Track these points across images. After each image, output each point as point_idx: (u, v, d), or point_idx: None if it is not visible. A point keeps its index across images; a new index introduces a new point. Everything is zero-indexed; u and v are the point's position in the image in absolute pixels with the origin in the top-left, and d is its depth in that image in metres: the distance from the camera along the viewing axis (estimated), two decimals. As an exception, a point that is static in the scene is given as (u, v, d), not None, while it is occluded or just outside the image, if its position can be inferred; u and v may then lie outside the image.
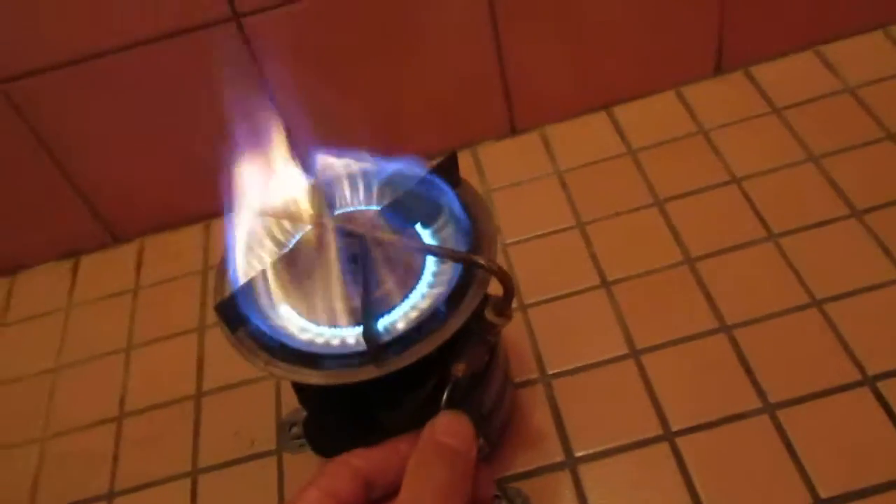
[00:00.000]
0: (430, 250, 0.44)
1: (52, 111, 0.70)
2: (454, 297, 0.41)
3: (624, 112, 0.78)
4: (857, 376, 0.55)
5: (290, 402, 0.64)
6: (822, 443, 0.53)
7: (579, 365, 0.61)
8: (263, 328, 0.42)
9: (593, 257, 0.67)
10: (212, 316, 0.72)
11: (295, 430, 0.61)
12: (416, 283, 0.43)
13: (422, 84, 0.74)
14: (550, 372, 0.61)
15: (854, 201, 0.65)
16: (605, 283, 0.65)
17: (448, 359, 0.43)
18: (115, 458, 0.64)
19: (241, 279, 0.43)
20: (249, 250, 0.45)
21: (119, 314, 0.75)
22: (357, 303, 0.42)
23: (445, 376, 0.42)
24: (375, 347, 0.39)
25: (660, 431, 0.56)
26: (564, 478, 0.55)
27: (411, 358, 0.39)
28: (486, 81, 0.75)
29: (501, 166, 0.77)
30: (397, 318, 0.42)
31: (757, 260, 0.64)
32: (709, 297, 0.62)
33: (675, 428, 0.56)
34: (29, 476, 0.64)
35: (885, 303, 0.59)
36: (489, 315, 0.42)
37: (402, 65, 0.72)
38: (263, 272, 0.43)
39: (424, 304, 0.42)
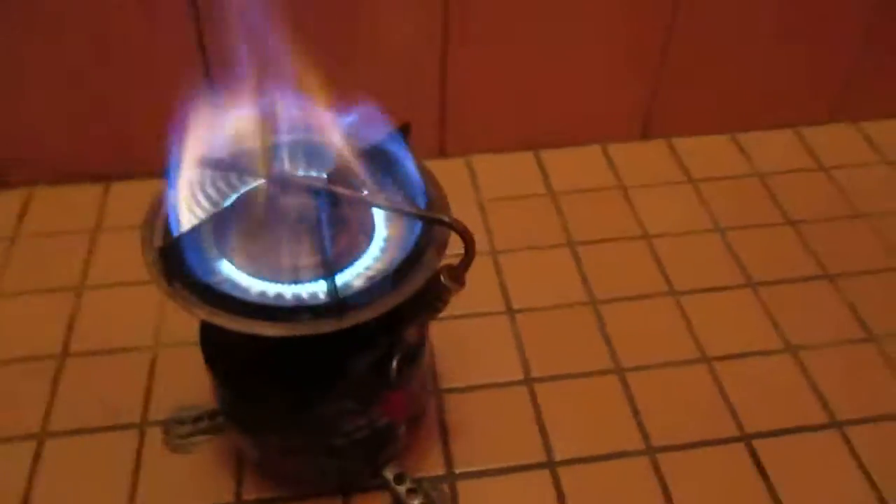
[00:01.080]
0: (395, 208, 0.43)
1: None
2: (413, 258, 0.41)
3: (551, 156, 0.80)
4: (735, 432, 0.57)
5: (165, 384, 0.60)
6: (696, 489, 0.54)
7: (473, 384, 0.60)
8: (208, 279, 0.40)
9: (501, 285, 0.68)
10: (94, 276, 0.68)
11: (181, 429, 0.57)
12: (369, 244, 0.43)
13: (366, 78, 0.73)
14: (444, 387, 0.60)
15: (751, 273, 0.69)
16: (510, 311, 0.65)
17: (400, 323, 0.42)
18: (-47, 409, 0.58)
19: (182, 229, 0.41)
20: (190, 202, 0.43)
21: (-11, 259, 0.69)
22: (307, 260, 0.40)
23: (396, 340, 0.41)
24: (337, 300, 0.38)
25: (543, 459, 0.55)
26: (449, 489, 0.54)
27: (374, 312, 0.38)
28: (426, 96, 0.75)
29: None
30: (353, 277, 0.41)
31: (656, 311, 0.66)
32: (607, 340, 0.63)
33: (558, 458, 0.55)
34: None
35: (767, 368, 0.61)
36: (444, 279, 0.41)
37: (351, 57, 0.71)
38: (205, 222, 0.41)
39: (381, 264, 0.41)
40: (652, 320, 0.65)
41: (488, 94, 0.77)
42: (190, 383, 0.59)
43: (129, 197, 0.76)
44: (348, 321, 0.39)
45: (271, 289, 0.41)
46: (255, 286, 0.41)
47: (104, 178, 0.77)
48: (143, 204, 0.73)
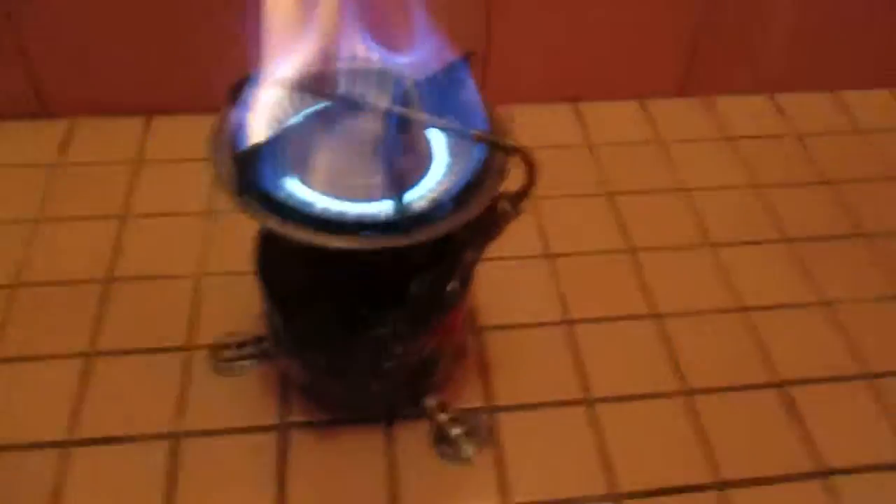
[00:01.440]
0: (463, 131, 0.44)
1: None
2: (476, 182, 0.42)
3: (589, 109, 0.81)
4: (770, 378, 0.58)
5: (211, 310, 0.61)
6: (730, 430, 0.55)
7: (512, 323, 0.61)
8: (276, 193, 0.41)
9: (540, 230, 0.68)
10: (138, 204, 0.69)
11: (227, 353, 0.58)
12: (430, 168, 0.44)
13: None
14: (483, 324, 0.61)
15: (786, 229, 0.69)
16: (549, 255, 0.66)
17: (459, 246, 0.43)
18: (2, 325, 0.59)
19: (253, 142, 0.41)
20: (258, 121, 0.43)
21: (32, 186, 0.70)
22: (373, 179, 0.41)
23: (455, 262, 0.43)
24: (404, 217, 0.39)
25: (581, 396, 0.57)
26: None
27: (438, 231, 0.39)
28: (470, 47, 0.75)
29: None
30: (417, 198, 0.42)
31: (692, 262, 0.66)
32: (644, 286, 0.64)
33: (595, 395, 0.57)
34: None
35: (801, 319, 0.62)
36: (504, 204, 0.42)
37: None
38: (276, 137, 0.42)
39: (443, 187, 0.42)
40: (688, 270, 0.66)
41: (530, 46, 0.77)
42: (234, 310, 0.61)
43: (169, 131, 0.76)
44: (413, 237, 0.40)
45: (337, 205, 0.41)
46: (321, 202, 0.41)
47: (145, 111, 0.77)
48: (184, 138, 0.75)
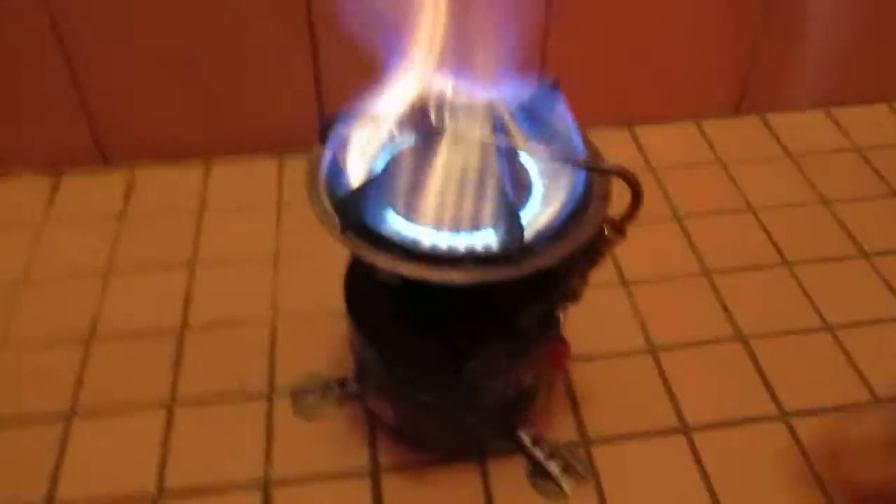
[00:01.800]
0: (571, 160, 0.44)
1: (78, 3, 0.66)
2: (580, 209, 0.42)
3: (645, 132, 0.80)
4: (867, 397, 0.57)
5: (288, 354, 0.60)
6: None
7: (597, 353, 0.60)
8: (388, 230, 0.40)
9: (613, 258, 0.67)
10: (205, 251, 0.69)
11: (311, 398, 0.57)
12: (529, 197, 0.43)
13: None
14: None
15: (862, 243, 0.68)
16: (625, 283, 0.65)
17: (564, 274, 0.43)
18: (80, 379, 0.59)
19: (353, 182, 0.42)
20: (353, 159, 0.43)
21: (100, 237, 0.70)
22: (476, 212, 0.41)
23: (562, 291, 0.43)
24: (519, 247, 0.39)
25: (675, 424, 0.55)
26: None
27: (550, 260, 0.39)
28: (526, 74, 0.76)
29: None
30: (527, 226, 0.41)
31: (771, 281, 0.65)
32: (724, 308, 0.63)
33: (690, 423, 0.55)
34: (-20, 383, 0.58)
35: (891, 335, 0.61)
36: (607, 230, 0.41)
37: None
38: (378, 176, 0.42)
39: (546, 216, 0.41)
40: (768, 289, 0.65)
41: (585, 71, 0.77)
42: (313, 352, 0.60)
43: (228, 175, 0.76)
44: (527, 268, 0.39)
45: (442, 239, 0.41)
46: (426, 236, 0.41)
47: (203, 155, 0.78)
48: (243, 181, 0.75)
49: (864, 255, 0.67)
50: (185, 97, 0.74)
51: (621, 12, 0.74)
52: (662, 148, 0.78)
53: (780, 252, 0.68)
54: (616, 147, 0.79)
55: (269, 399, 0.57)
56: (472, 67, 0.45)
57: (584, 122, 0.79)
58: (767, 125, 0.81)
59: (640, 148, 0.79)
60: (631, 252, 0.67)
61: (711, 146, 0.79)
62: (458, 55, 0.45)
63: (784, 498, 0.51)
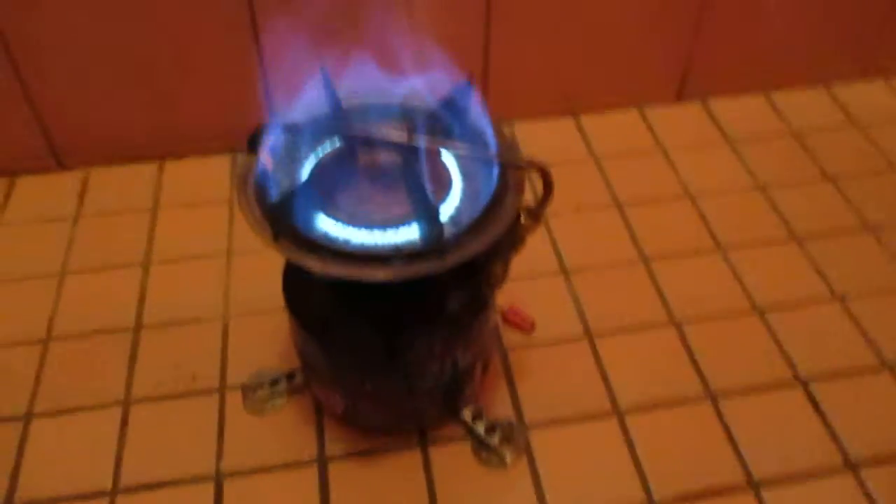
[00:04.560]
0: (482, 156, 0.46)
1: (21, 6, 0.67)
2: (496, 201, 0.44)
3: (590, 121, 0.82)
4: (790, 376, 0.60)
5: (240, 349, 0.62)
6: (757, 429, 0.56)
7: (536, 340, 0.62)
8: (313, 233, 0.42)
9: (554, 247, 0.70)
10: (159, 249, 0.70)
11: (260, 392, 0.59)
12: (449, 191, 0.45)
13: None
14: (507, 345, 0.62)
15: (794, 227, 0.71)
16: (565, 271, 0.68)
17: (486, 260, 0.46)
18: (38, 379, 0.60)
19: (281, 188, 0.43)
20: (278, 166, 0.45)
21: (55, 239, 0.71)
22: (398, 209, 0.43)
23: (484, 276, 0.45)
24: (440, 243, 0.41)
25: (608, 407, 0.58)
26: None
27: (471, 252, 0.41)
28: (469, 66, 0.77)
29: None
30: (447, 221, 0.44)
31: (705, 267, 0.68)
32: (661, 294, 0.66)
33: (622, 406, 0.58)
34: (-63, 386, 0.60)
35: (816, 316, 0.64)
36: (524, 218, 0.43)
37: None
38: (305, 181, 0.44)
39: (465, 209, 0.44)
40: (701, 274, 0.67)
41: (529, 62, 0.78)
42: (262, 348, 0.62)
43: (182, 175, 0.78)
44: (451, 261, 0.41)
45: (369, 238, 0.43)
46: (354, 237, 0.43)
47: (156, 157, 0.79)
48: (197, 181, 0.77)
49: (795, 238, 0.70)
50: (137, 98, 0.75)
51: (563, 1, 0.75)
52: (605, 135, 0.81)
53: (714, 237, 0.70)
54: (560, 136, 0.81)
55: (221, 394, 0.60)
56: (395, 65, 0.47)
57: (530, 111, 0.82)
58: (708, 111, 0.84)
59: (583, 136, 0.81)
60: (572, 240, 0.70)
61: (653, 133, 0.81)
62: (383, 52, 0.47)
63: (711, 478, 0.54)
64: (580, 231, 0.71)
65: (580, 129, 0.82)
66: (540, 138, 0.81)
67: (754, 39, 0.81)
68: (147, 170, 0.78)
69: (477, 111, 0.47)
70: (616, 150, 0.79)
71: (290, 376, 0.59)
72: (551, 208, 0.74)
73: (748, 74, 0.84)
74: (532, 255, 0.68)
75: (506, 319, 0.46)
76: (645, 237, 0.70)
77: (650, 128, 0.82)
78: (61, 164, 0.77)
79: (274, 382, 0.59)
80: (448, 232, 0.42)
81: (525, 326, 0.46)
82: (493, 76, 0.78)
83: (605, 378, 0.60)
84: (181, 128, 0.78)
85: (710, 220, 0.72)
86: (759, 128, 0.82)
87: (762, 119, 0.83)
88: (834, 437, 0.56)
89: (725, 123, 0.82)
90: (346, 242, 0.43)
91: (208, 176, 0.77)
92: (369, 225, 0.43)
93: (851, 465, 0.54)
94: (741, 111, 0.83)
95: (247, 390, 0.60)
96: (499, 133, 0.48)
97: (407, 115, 0.48)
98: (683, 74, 0.83)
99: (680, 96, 0.84)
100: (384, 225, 0.43)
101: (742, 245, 0.69)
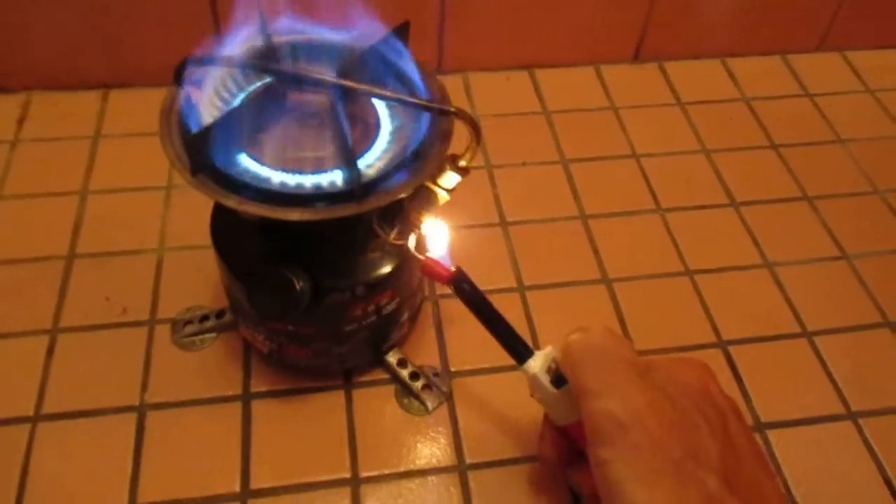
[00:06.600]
0: (407, 100, 0.45)
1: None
2: (423, 148, 0.44)
3: (545, 76, 0.82)
4: (713, 339, 0.61)
5: (172, 285, 0.62)
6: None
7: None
8: (230, 171, 0.42)
9: (496, 198, 0.70)
10: (97, 179, 0.69)
11: (189, 328, 0.59)
12: (376, 137, 0.45)
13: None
14: (439, 292, 0.63)
15: (734, 193, 0.72)
16: (504, 223, 0.68)
17: (408, 207, 0.46)
18: (-35, 304, 0.60)
19: (203, 122, 0.43)
20: (204, 100, 0.45)
21: (-9, 163, 0.70)
22: (322, 151, 0.43)
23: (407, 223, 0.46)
24: (358, 186, 0.41)
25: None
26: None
27: (391, 197, 0.41)
28: (425, 13, 0.76)
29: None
30: (366, 166, 0.44)
31: (643, 227, 0.69)
32: (596, 252, 0.66)
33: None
34: None
35: (744, 282, 0.65)
36: (450, 167, 0.44)
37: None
38: (225, 116, 0.43)
39: (391, 155, 0.44)
40: (639, 235, 0.68)
41: (486, 12, 0.78)
42: (195, 285, 0.62)
43: (126, 105, 0.77)
44: (368, 205, 0.41)
45: (290, 179, 0.43)
46: (275, 177, 0.43)
47: (101, 85, 0.77)
48: (142, 112, 0.75)
49: (733, 203, 0.71)
50: (83, 24, 0.73)
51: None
52: (559, 92, 0.80)
53: (655, 199, 0.71)
54: (514, 89, 0.81)
55: (151, 328, 0.60)
56: (325, 9, 0.47)
57: (486, 64, 0.82)
58: (664, 73, 0.84)
59: (537, 91, 0.80)
60: (514, 193, 0.71)
61: (607, 92, 0.81)
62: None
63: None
64: (524, 185, 0.71)
65: (535, 84, 0.81)
66: (494, 91, 0.80)
67: (714, 4, 0.81)
68: (90, 98, 0.77)
69: (408, 58, 0.47)
70: (568, 107, 0.79)
71: (219, 314, 0.60)
72: (497, 161, 0.74)
73: (706, 39, 0.84)
74: (473, 204, 0.69)
75: (422, 269, 0.46)
76: (587, 194, 0.71)
77: (604, 86, 0.82)
78: (1, 87, 0.76)
79: (203, 319, 0.60)
80: (367, 177, 0.42)
81: (440, 279, 0.47)
82: (448, 27, 0.77)
83: (532, 330, 0.61)
84: (129, 56, 0.76)
85: (652, 181, 0.72)
86: (712, 93, 0.82)
87: (716, 84, 0.83)
88: (748, 400, 0.58)
89: (679, 86, 0.82)
90: (266, 180, 0.43)
91: (153, 108, 0.75)
92: (290, 165, 0.43)
93: (761, 427, 0.56)
94: (696, 75, 0.83)
95: (176, 325, 0.60)
96: (431, 81, 0.48)
97: (339, 58, 0.47)
98: (641, 35, 0.82)
99: (637, 57, 0.84)
100: (304, 166, 0.43)
101: (681, 207, 0.70)
